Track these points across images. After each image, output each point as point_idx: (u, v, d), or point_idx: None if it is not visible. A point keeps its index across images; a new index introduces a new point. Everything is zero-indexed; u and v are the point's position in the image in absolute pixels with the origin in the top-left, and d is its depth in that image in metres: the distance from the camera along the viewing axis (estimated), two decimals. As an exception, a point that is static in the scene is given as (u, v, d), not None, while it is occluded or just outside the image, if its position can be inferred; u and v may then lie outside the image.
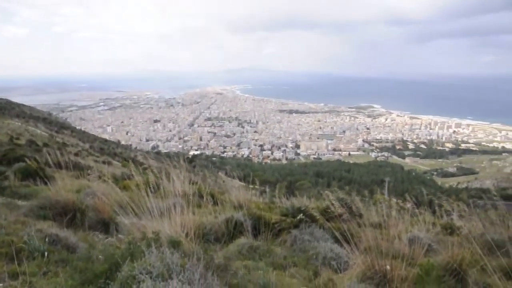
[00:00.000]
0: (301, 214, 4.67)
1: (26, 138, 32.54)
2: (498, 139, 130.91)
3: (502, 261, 3.47)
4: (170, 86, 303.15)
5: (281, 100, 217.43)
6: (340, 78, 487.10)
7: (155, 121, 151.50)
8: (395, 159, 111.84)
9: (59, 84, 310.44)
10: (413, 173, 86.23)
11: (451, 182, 76.89)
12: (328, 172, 76.91)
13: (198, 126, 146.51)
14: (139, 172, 5.10)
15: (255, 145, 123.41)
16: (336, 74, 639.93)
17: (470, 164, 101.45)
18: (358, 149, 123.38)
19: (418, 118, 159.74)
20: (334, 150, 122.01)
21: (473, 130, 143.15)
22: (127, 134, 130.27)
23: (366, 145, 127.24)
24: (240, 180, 12.76)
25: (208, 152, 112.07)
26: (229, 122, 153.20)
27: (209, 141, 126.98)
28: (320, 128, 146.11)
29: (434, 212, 6.23)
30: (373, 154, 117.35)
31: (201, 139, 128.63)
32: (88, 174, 6.77)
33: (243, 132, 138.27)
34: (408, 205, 4.91)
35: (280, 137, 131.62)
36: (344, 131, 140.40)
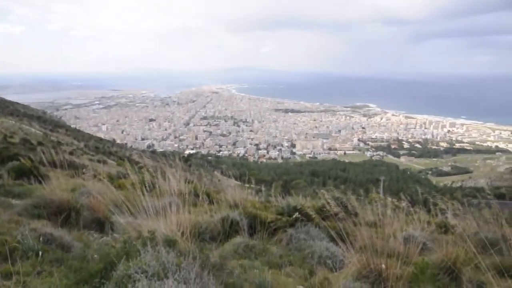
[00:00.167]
0: (297, 213, 4.67)
1: (20, 137, 32.26)
2: (491, 138, 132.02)
3: (496, 259, 3.50)
4: (166, 85, 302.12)
5: (277, 99, 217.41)
6: (337, 78, 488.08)
7: (151, 120, 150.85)
8: (390, 158, 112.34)
9: (53, 83, 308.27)
10: (408, 172, 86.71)
11: (446, 181, 77.46)
12: (323, 171, 77.13)
13: (194, 125, 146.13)
14: (134, 171, 5.09)
15: (250, 144, 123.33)
16: (332, 74, 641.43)
17: (464, 163, 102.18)
18: (354, 148, 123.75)
19: (413, 118, 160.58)
20: (330, 149, 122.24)
21: (467, 130, 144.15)
22: (122, 133, 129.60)
23: (361, 144, 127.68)
24: (235, 179, 12.77)
25: (203, 151, 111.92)
26: (225, 121, 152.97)
27: (204, 140, 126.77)
28: (316, 127, 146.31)
29: (429, 211, 6.28)
30: (368, 153, 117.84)
31: (196, 138, 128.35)
32: (83, 173, 6.74)
33: (238, 131, 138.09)
34: (403, 204, 4.94)
35: (276, 136, 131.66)
36: (339, 130, 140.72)
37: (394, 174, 79.09)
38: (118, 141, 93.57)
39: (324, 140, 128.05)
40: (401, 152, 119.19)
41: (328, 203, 3.95)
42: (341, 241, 3.50)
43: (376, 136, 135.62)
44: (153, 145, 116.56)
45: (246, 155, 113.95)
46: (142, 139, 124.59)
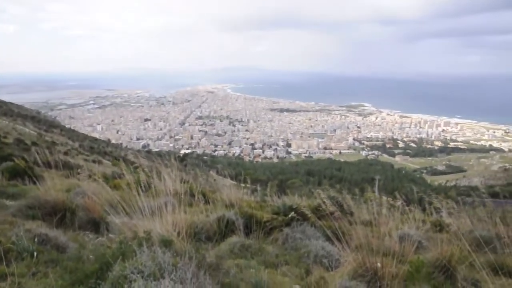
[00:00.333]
0: (293, 213, 4.68)
1: (14, 137, 31.98)
2: (485, 137, 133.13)
3: (490, 257, 3.53)
4: (161, 84, 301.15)
5: (272, 98, 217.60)
6: (332, 77, 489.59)
7: (146, 119, 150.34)
8: (385, 157, 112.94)
9: (48, 82, 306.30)
10: (403, 171, 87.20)
11: (440, 180, 78.02)
12: (319, 171, 77.34)
13: (189, 125, 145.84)
14: (130, 171, 5.07)
15: (246, 143, 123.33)
16: (328, 73, 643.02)
17: (459, 162, 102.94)
18: (349, 148, 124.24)
19: (408, 117, 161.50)
20: (325, 148, 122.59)
21: (461, 129, 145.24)
22: (117, 132, 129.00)
23: (356, 144, 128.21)
24: (231, 178, 12.74)
25: (199, 151, 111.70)
26: (220, 120, 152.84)
27: (200, 139, 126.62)
28: (311, 126, 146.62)
29: (424, 210, 6.31)
30: (363, 153, 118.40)
31: (192, 138, 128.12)
32: (78, 173, 6.70)
33: (234, 131, 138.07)
34: (398, 203, 4.96)
35: (271, 136, 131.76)
36: (335, 130, 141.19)
37: (389, 173, 79.55)
38: (113, 141, 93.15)
39: (320, 140, 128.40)
40: (396, 151, 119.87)
41: (324, 202, 3.97)
42: (337, 240, 3.51)
43: (371, 135, 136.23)
44: (148, 145, 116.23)
45: (242, 154, 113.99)
46: (137, 139, 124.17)
